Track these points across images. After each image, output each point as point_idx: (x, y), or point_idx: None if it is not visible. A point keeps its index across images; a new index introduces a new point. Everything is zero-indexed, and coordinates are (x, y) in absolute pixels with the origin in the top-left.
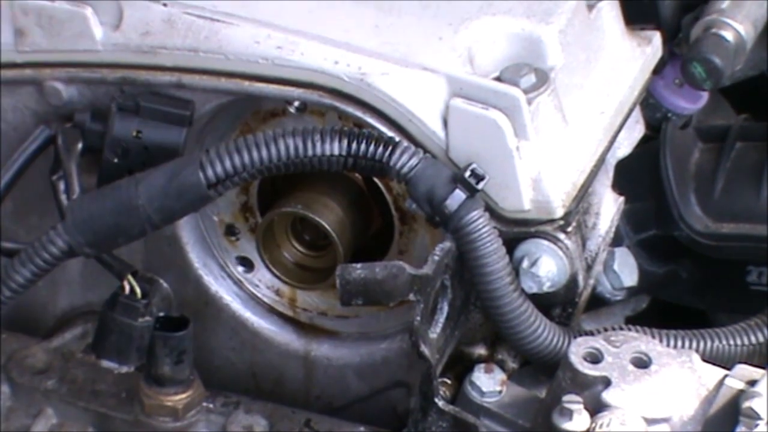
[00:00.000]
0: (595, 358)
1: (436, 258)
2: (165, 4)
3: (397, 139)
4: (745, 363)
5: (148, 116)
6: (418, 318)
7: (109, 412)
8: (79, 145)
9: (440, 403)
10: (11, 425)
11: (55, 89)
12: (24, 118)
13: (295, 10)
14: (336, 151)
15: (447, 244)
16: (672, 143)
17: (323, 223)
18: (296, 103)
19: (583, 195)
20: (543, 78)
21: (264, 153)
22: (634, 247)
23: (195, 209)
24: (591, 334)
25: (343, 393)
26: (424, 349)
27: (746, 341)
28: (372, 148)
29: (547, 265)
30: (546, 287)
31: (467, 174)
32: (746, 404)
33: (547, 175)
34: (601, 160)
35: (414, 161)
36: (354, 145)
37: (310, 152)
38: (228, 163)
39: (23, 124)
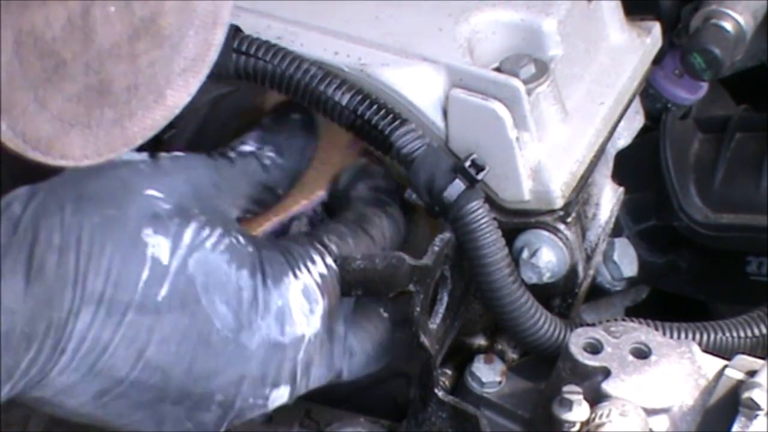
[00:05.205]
0: (594, 349)
1: (436, 249)
2: None
3: (405, 118)
4: (748, 355)
5: None
6: (418, 309)
7: None
8: None
9: (440, 394)
10: (11, 416)
11: None
12: None
13: (295, 1)
14: (344, 102)
15: (447, 235)
16: (672, 134)
17: None
18: None
19: (583, 185)
20: (543, 68)
21: (293, 65)
22: (633, 237)
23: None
24: (591, 325)
25: (342, 383)
26: (424, 340)
27: (749, 333)
28: (377, 116)
29: (547, 256)
30: (546, 278)
31: (467, 164)
32: (746, 395)
33: (546, 165)
34: (601, 151)
35: (417, 144)
36: (361, 107)
37: (321, 87)
38: (263, 45)
39: None
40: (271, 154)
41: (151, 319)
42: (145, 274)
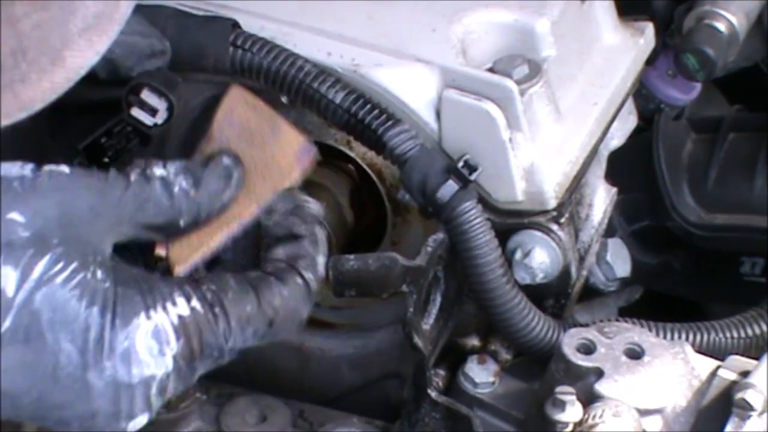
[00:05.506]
0: (588, 349)
1: (429, 249)
2: None
3: (399, 118)
4: (741, 355)
5: None
6: (411, 309)
7: None
8: None
9: (433, 394)
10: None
11: None
12: None
13: (288, 2)
14: (337, 101)
15: (440, 236)
16: (665, 134)
17: None
18: None
19: (576, 186)
20: (536, 69)
21: (287, 62)
22: (627, 238)
23: (208, 53)
24: (584, 325)
25: (336, 384)
26: (418, 341)
27: (742, 334)
28: (371, 116)
29: (540, 257)
30: (539, 278)
31: (460, 165)
32: (739, 395)
33: (539, 166)
34: (594, 151)
35: (410, 144)
36: (355, 106)
37: (315, 85)
38: (258, 41)
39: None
40: (184, 185)
41: None
42: None
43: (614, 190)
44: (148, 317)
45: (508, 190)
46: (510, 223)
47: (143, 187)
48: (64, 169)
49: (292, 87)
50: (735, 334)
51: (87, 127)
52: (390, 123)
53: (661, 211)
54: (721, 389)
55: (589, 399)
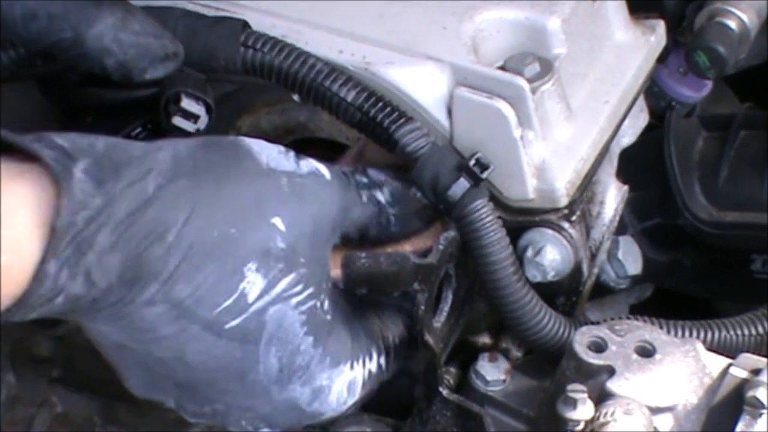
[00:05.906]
0: (599, 347)
1: (441, 247)
2: None
3: (410, 116)
4: (752, 353)
5: None
6: (423, 307)
7: (114, 401)
8: None
9: (444, 392)
10: (16, 415)
11: None
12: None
13: (299, 0)
14: (349, 99)
15: (451, 234)
16: (676, 132)
17: None
18: None
19: (587, 184)
20: (547, 67)
21: (298, 61)
22: (638, 235)
23: (218, 54)
24: (595, 323)
25: None
26: (429, 339)
27: (753, 331)
28: (382, 114)
29: (552, 254)
30: (550, 276)
31: (472, 163)
32: (750, 393)
33: (551, 164)
34: (606, 149)
35: (421, 142)
36: (366, 104)
37: (327, 83)
38: (269, 40)
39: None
40: (392, 218)
41: (211, 339)
42: (227, 303)
43: (625, 187)
44: (351, 368)
45: (519, 188)
46: (521, 221)
47: (367, 211)
48: (325, 172)
49: (303, 85)
50: (746, 332)
51: (104, 130)
52: (401, 121)
53: (672, 209)
54: (732, 387)
55: (600, 397)
